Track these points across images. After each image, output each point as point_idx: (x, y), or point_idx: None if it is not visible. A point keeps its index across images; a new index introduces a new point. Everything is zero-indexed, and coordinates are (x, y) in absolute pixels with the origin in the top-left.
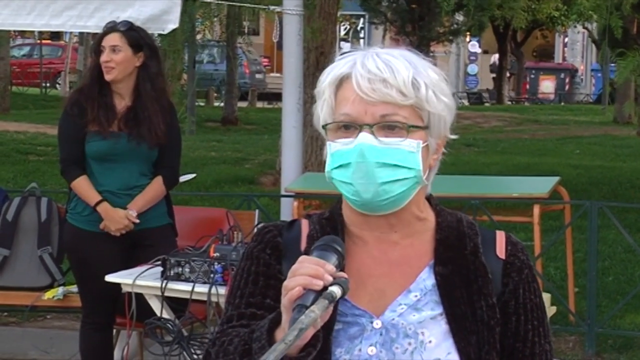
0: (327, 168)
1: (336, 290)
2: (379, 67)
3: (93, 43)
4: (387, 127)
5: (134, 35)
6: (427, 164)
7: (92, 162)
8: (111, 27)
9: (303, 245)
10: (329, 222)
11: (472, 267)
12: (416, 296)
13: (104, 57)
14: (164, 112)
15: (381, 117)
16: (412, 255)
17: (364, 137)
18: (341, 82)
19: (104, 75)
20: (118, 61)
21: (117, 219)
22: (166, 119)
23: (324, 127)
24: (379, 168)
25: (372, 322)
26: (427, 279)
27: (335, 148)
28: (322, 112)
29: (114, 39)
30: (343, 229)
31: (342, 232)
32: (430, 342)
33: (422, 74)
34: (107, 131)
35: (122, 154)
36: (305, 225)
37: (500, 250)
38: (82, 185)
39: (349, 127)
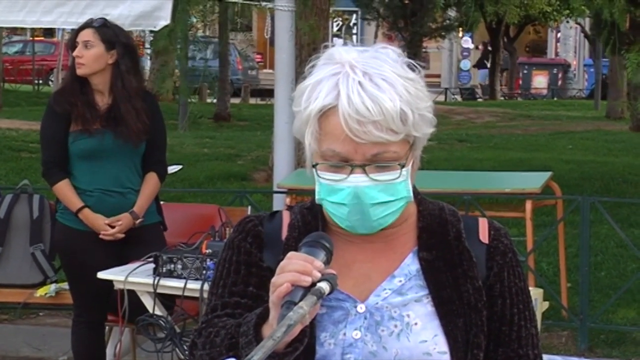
0: (318, 194)
1: (324, 286)
2: (368, 107)
3: (69, 39)
4: (379, 165)
5: (108, 32)
6: (414, 172)
7: (79, 161)
8: (86, 23)
9: (284, 234)
10: (310, 211)
11: (456, 252)
12: (400, 281)
13: (75, 52)
14: (138, 111)
15: (372, 156)
16: (395, 242)
17: (357, 178)
18: (326, 113)
19: (76, 70)
20: (89, 57)
21: (97, 227)
22: (142, 118)
23: (313, 166)
24: (373, 206)
25: (355, 307)
26: (411, 264)
27: (325, 182)
28: (310, 142)
29: (87, 34)
30: (324, 218)
31: (322, 221)
32: (416, 324)
33: (404, 96)
34: (92, 129)
35: (110, 150)
36: (286, 216)
37: (484, 235)
38: (64, 190)
39: (339, 165)
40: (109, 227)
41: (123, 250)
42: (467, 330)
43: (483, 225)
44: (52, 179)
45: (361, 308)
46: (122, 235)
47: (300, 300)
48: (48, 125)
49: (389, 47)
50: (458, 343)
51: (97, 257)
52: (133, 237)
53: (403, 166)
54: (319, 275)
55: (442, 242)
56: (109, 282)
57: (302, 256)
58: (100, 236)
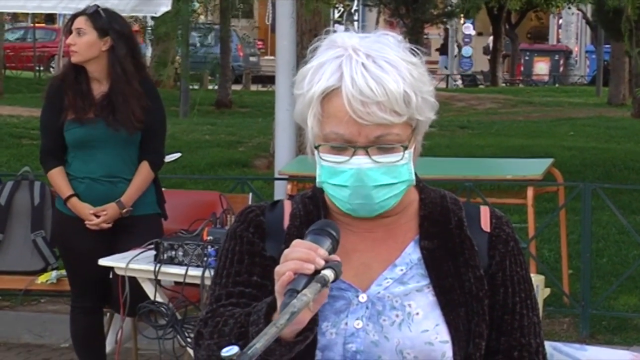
0: (319, 177)
1: (329, 273)
2: (371, 88)
3: (64, 27)
4: (382, 147)
5: (101, 19)
6: (416, 158)
7: (72, 149)
8: (81, 11)
9: (286, 223)
10: (312, 200)
11: (457, 241)
12: (402, 270)
13: (68, 40)
14: (138, 96)
15: (375, 138)
16: (396, 231)
17: (360, 160)
18: (329, 95)
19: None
20: (81, 44)
21: (83, 216)
22: (142, 102)
23: (316, 147)
24: (376, 189)
25: (357, 296)
26: (412, 253)
27: (327, 164)
28: (313, 125)
29: (80, 22)
30: (325, 207)
31: (324, 210)
32: (417, 313)
33: (408, 79)
34: (85, 118)
35: (102, 139)
36: (287, 205)
37: (485, 224)
38: (56, 178)
39: (342, 146)
40: (94, 216)
41: (113, 239)
42: (469, 320)
43: (485, 213)
44: (46, 166)
45: (363, 297)
46: (108, 225)
47: (304, 288)
48: (45, 114)
49: (390, 34)
50: (460, 332)
51: (87, 244)
52: (124, 227)
53: (406, 148)
54: (322, 262)
55: (443, 230)
56: (104, 269)
57: (306, 244)
58: (86, 225)
